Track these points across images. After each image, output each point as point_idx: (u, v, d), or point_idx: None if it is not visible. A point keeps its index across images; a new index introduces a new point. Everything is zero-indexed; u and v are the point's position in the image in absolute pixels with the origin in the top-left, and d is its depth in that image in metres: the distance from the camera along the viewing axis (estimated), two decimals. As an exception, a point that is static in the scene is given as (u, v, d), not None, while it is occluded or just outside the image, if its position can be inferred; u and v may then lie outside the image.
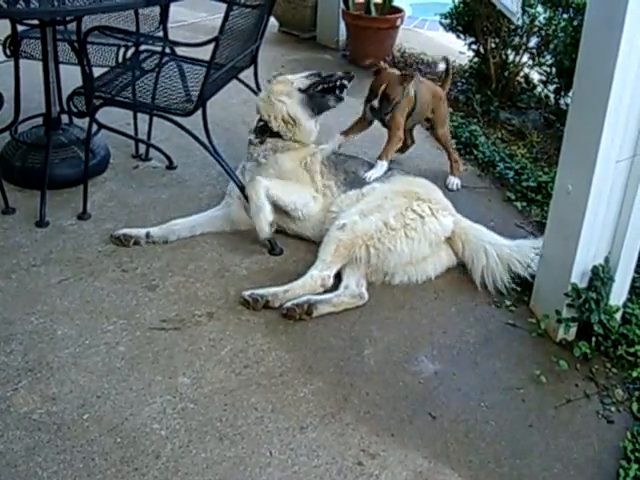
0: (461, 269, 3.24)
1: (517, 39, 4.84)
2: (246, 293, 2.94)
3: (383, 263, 3.11)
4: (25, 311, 2.84)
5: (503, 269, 3.11)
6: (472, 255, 3.18)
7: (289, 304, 2.89)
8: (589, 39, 2.54)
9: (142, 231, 3.31)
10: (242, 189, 3.34)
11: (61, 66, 3.71)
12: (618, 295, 2.82)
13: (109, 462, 2.23)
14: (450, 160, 4.02)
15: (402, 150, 4.01)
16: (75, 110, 3.54)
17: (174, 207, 3.59)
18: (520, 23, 4.58)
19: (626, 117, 2.49)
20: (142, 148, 4.09)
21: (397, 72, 3.71)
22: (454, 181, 3.95)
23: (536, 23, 4.68)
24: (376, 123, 3.75)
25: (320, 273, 3.03)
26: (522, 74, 5.01)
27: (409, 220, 3.13)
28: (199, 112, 3.31)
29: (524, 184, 3.90)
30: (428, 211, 3.18)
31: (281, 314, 2.89)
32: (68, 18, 3.55)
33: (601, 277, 2.73)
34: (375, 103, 3.59)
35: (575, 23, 4.27)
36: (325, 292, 3.02)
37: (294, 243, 3.36)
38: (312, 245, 3.31)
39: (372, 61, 5.33)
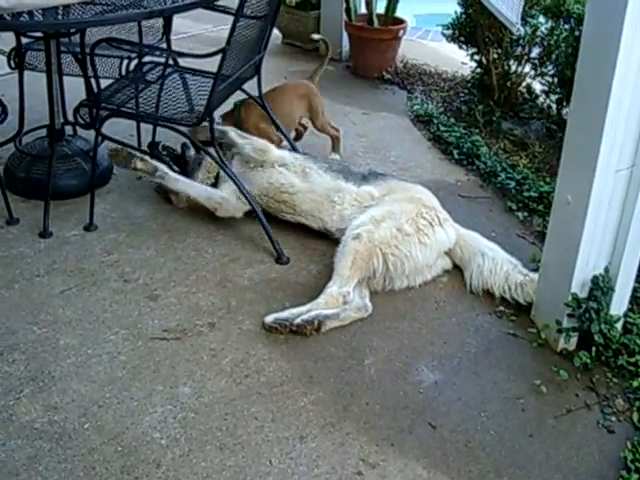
0: (462, 279, 3.25)
1: (519, 49, 4.85)
2: (269, 320, 2.88)
3: (399, 269, 3.11)
4: (28, 321, 2.85)
5: (498, 272, 3.13)
6: (470, 258, 3.23)
7: (299, 320, 2.86)
8: (587, 50, 2.55)
9: (138, 154, 3.55)
10: (247, 198, 3.38)
11: (65, 78, 3.74)
12: (619, 305, 2.82)
13: (110, 471, 2.24)
14: (331, 138, 4.29)
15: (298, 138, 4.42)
16: (82, 122, 3.57)
17: (177, 217, 3.61)
18: (519, 33, 4.60)
19: (624, 127, 2.49)
20: (145, 159, 4.10)
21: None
22: (334, 157, 4.21)
23: (538, 33, 4.68)
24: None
25: (340, 290, 2.98)
26: (524, 84, 5.02)
27: (422, 226, 3.17)
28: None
29: (526, 194, 3.90)
30: (437, 220, 3.22)
31: (290, 330, 2.86)
32: (72, 30, 3.59)
33: (601, 287, 2.73)
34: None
35: (576, 33, 4.29)
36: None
37: (296, 253, 3.38)
38: (314, 255, 3.34)
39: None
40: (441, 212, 3.30)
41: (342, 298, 2.97)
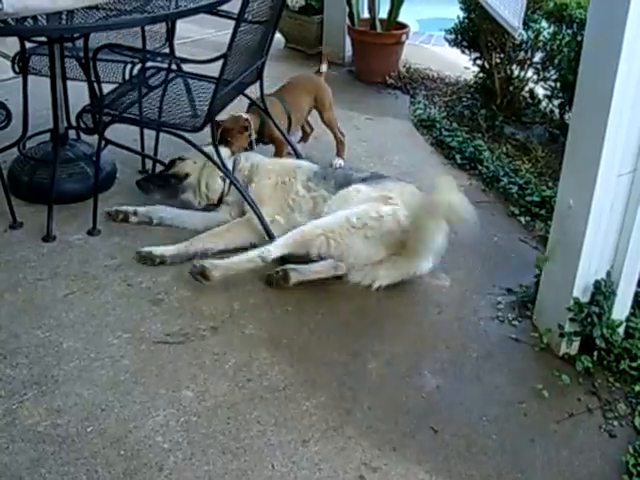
0: (463, 285, 3.26)
1: (522, 54, 4.87)
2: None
3: (341, 257, 3.17)
4: (31, 324, 2.86)
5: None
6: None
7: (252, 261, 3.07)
8: (589, 54, 2.57)
9: (130, 208, 3.58)
10: (250, 203, 3.39)
11: (69, 82, 3.76)
12: (621, 309, 2.82)
13: (112, 474, 2.25)
14: (336, 142, 4.32)
15: (304, 139, 4.49)
16: (84, 127, 3.58)
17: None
18: (520, 38, 4.61)
19: (626, 131, 2.50)
20: (149, 163, 4.11)
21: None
22: (338, 162, 4.27)
23: (541, 38, 4.70)
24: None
25: (264, 247, 3.12)
26: (527, 89, 5.03)
27: (369, 220, 3.17)
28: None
29: (528, 199, 3.91)
30: (390, 211, 3.19)
31: (270, 283, 3.13)
32: (75, 35, 3.60)
33: (603, 291, 2.73)
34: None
35: (579, 38, 4.29)
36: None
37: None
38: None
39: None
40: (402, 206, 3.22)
41: (259, 252, 3.09)
